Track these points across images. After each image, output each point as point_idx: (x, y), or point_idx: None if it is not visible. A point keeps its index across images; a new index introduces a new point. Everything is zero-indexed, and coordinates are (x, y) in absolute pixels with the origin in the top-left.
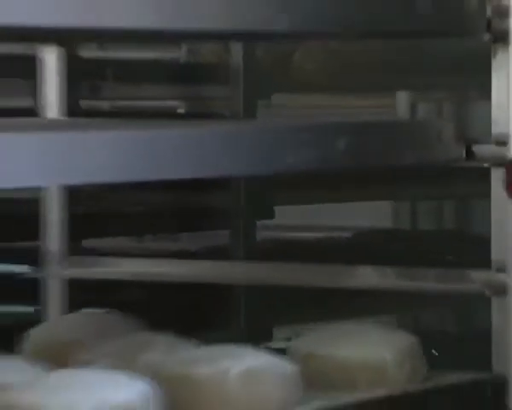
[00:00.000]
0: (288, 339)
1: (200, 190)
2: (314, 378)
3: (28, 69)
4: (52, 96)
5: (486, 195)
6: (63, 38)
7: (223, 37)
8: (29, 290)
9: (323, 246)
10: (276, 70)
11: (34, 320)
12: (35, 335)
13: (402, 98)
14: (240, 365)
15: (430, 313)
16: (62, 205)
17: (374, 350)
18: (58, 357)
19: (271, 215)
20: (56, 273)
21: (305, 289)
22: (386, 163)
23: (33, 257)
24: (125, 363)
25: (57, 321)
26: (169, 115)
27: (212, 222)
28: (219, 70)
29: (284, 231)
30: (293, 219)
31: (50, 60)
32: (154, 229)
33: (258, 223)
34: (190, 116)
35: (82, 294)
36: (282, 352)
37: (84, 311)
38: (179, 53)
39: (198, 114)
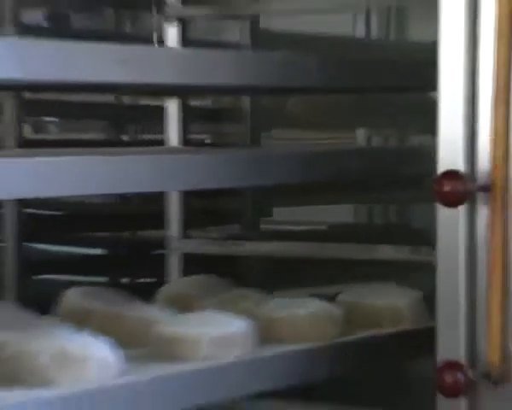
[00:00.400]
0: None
1: (219, 195)
2: (354, 319)
3: (157, 114)
4: (173, 131)
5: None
6: (180, 92)
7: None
8: (159, 262)
9: (306, 236)
10: (274, 112)
11: (163, 282)
12: (165, 291)
13: (360, 133)
14: (306, 309)
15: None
16: (180, 203)
17: (395, 300)
18: (181, 305)
19: (270, 214)
20: (176, 250)
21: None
22: (396, 176)
23: (161, 240)
24: (229, 309)
25: (179, 282)
26: (199, 145)
27: (227, 218)
28: (234, 112)
29: (279, 225)
30: (286, 216)
31: (172, 108)
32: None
33: (261, 219)
34: (214, 146)
35: (193, 264)
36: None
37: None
38: (207, 101)
39: (219, 144)
